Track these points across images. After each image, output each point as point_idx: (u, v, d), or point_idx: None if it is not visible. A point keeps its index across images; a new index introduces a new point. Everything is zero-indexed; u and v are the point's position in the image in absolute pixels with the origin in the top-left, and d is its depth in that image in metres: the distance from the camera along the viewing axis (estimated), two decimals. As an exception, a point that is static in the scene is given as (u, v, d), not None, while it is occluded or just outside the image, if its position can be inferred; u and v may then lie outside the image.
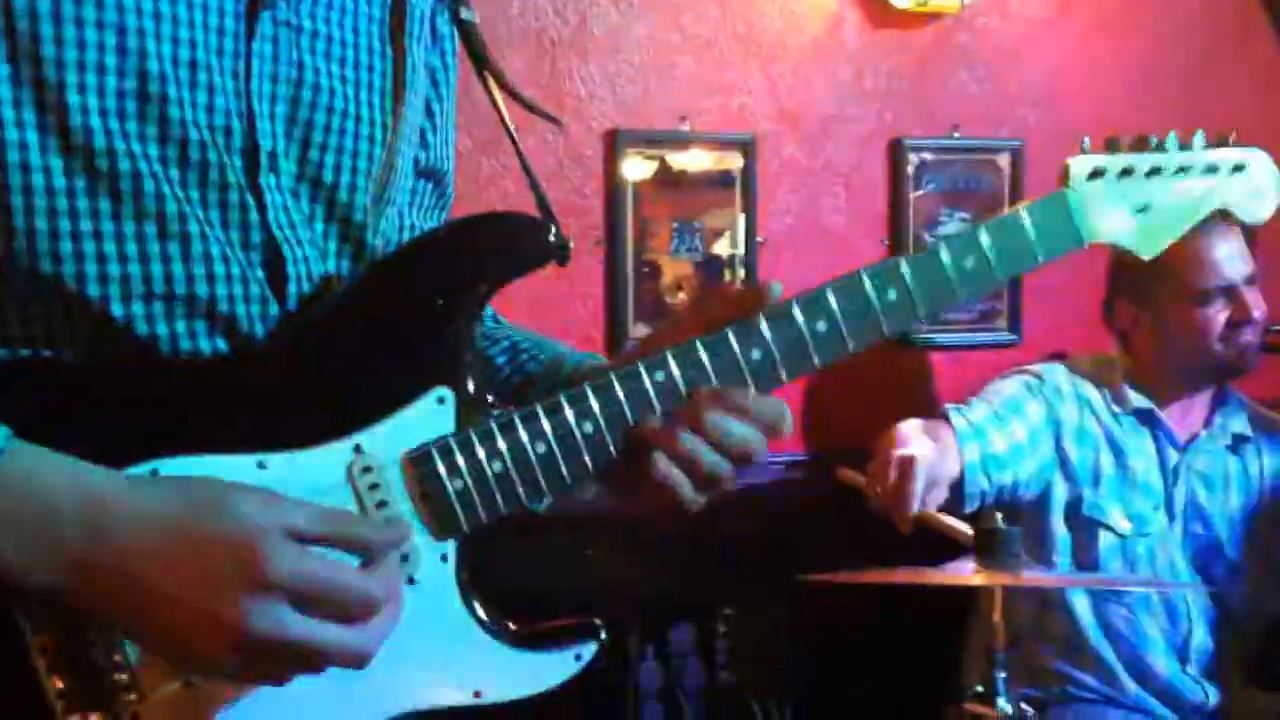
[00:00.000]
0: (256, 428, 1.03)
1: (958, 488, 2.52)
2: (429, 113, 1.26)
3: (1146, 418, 2.76)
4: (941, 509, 2.45)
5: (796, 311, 1.14)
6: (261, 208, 1.07)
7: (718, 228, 2.99)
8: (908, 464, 2.31)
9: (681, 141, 2.94)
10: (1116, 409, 2.76)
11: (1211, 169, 1.28)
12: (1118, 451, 2.74)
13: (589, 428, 1.10)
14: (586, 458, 1.10)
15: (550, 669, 1.12)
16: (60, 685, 0.96)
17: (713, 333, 1.13)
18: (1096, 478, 2.72)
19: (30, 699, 0.96)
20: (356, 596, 0.97)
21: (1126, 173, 1.24)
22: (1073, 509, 2.71)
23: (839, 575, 1.92)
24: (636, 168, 2.89)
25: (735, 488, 1.13)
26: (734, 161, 2.99)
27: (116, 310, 1.01)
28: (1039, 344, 3.20)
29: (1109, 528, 2.69)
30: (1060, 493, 2.71)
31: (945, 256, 1.18)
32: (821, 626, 2.92)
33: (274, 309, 1.08)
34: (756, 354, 1.13)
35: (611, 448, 1.10)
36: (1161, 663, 2.69)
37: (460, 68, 1.31)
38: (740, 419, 1.11)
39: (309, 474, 1.02)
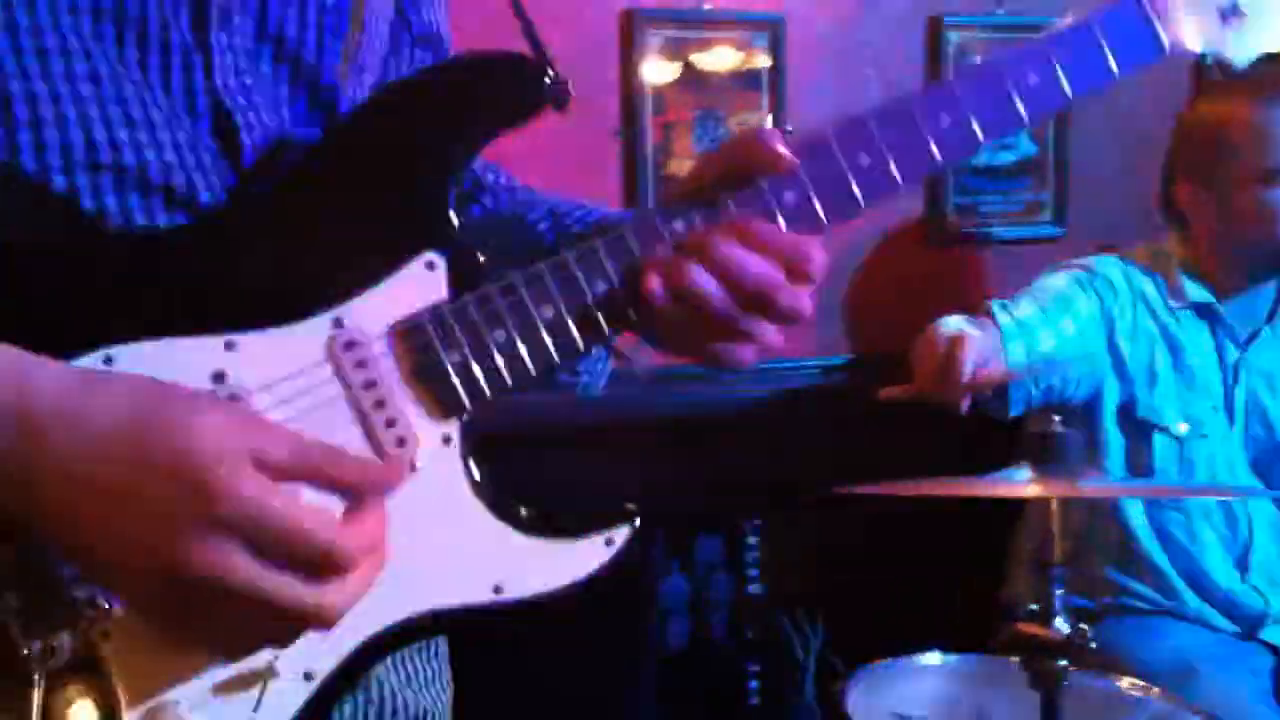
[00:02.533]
0: (221, 306, 0.92)
1: (1003, 390, 2.37)
2: None
3: (1205, 312, 2.59)
4: (989, 404, 2.31)
5: (835, 144, 1.02)
6: (208, 69, 0.96)
7: (746, 125, 2.80)
8: (957, 340, 2.17)
9: (702, 23, 2.74)
10: (1174, 303, 2.59)
11: None
12: (1175, 349, 2.57)
13: (601, 286, 0.98)
14: (600, 318, 0.99)
15: (578, 558, 0.98)
16: (15, 603, 0.85)
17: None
18: (1152, 378, 2.56)
19: None
20: (325, 548, 0.83)
21: None
22: (1126, 411, 2.56)
23: (881, 487, 1.77)
24: (657, 68, 2.70)
25: (774, 344, 1.02)
26: (761, 59, 2.79)
27: (58, 182, 0.91)
28: (1086, 237, 3.02)
29: (1164, 430, 2.54)
30: (1113, 394, 2.55)
31: (1006, 72, 1.04)
32: (855, 537, 2.80)
33: (230, 179, 0.97)
34: (790, 196, 1.01)
35: (629, 307, 0.99)
36: (1220, 571, 2.55)
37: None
38: (758, 251, 0.98)
39: (282, 353, 0.92)
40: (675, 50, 2.74)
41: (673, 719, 2.78)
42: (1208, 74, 2.99)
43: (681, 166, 2.76)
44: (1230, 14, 1.13)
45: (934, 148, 1.03)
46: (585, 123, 2.63)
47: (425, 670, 1.12)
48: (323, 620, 0.85)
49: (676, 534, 2.77)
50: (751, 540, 2.80)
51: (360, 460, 0.91)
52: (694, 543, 2.79)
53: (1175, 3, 1.09)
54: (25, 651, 0.84)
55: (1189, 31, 1.10)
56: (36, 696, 0.83)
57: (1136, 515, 2.56)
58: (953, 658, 2.12)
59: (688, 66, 2.75)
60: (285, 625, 0.85)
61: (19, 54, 0.90)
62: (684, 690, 2.80)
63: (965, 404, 2.14)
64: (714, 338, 1.01)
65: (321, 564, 0.83)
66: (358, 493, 0.88)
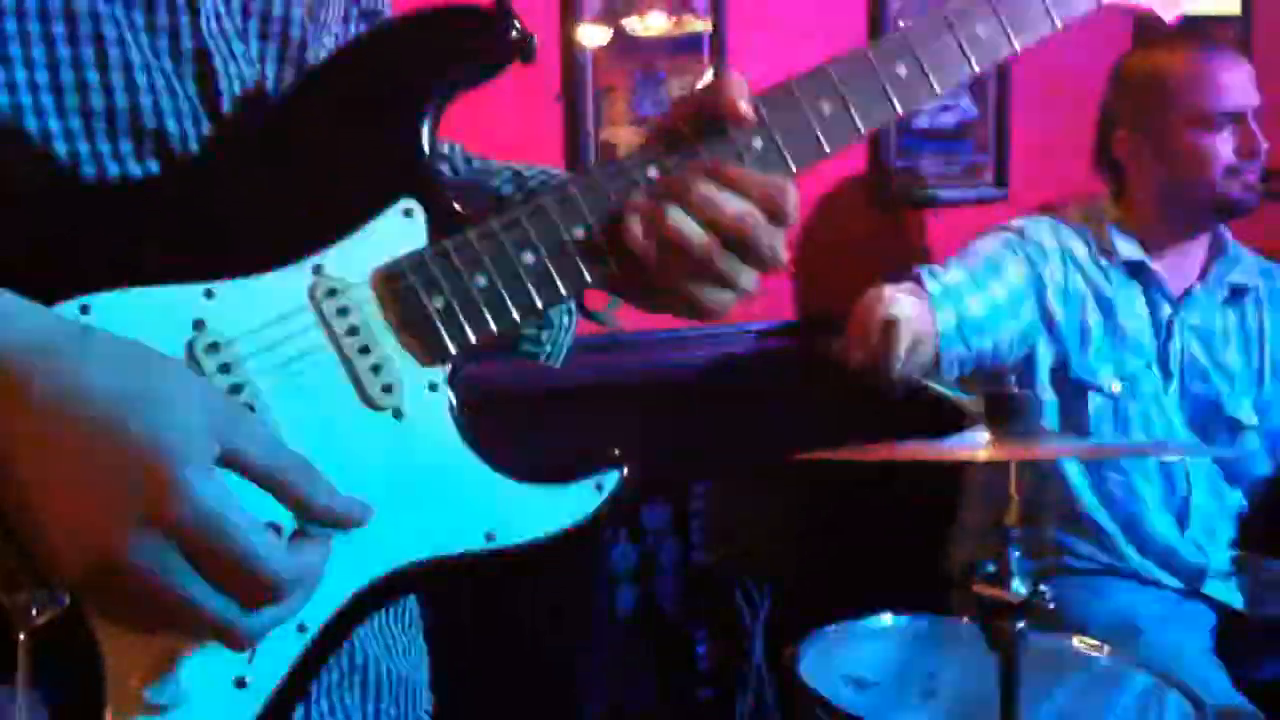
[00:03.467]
0: (200, 254, 0.91)
1: (934, 355, 2.38)
2: None
3: (1137, 270, 2.62)
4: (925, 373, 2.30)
5: (799, 93, 1.03)
6: (193, 10, 0.95)
7: (685, 90, 2.78)
8: (890, 325, 2.17)
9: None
10: (1104, 261, 2.61)
11: None
12: (1106, 308, 2.59)
13: (579, 231, 0.98)
14: (580, 262, 0.99)
15: (568, 503, 0.97)
16: None
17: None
18: (1084, 338, 2.57)
19: None
20: (262, 575, 0.81)
21: None
22: (1059, 372, 2.58)
23: (841, 452, 1.76)
24: (593, 33, 2.66)
25: (751, 290, 1.02)
26: (702, 23, 2.76)
27: (30, 124, 0.88)
28: (1027, 198, 3.03)
29: (1098, 389, 2.56)
30: (1046, 355, 2.57)
31: (954, 27, 1.08)
32: (803, 503, 2.80)
33: (206, 127, 0.95)
34: (758, 141, 1.02)
35: (608, 255, 0.99)
36: (1160, 526, 2.59)
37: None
38: (735, 192, 0.99)
39: (263, 300, 0.91)
40: (613, 15, 2.70)
41: (622, 685, 2.78)
42: (1145, 32, 3.01)
43: (619, 132, 2.73)
44: None
45: (893, 97, 1.05)
46: (525, 88, 2.59)
47: (403, 639, 1.11)
48: (234, 642, 0.83)
49: (615, 507, 2.76)
50: (698, 507, 2.80)
51: (331, 488, 0.86)
52: (641, 510, 2.78)
53: None
54: (10, 605, 0.81)
55: None
56: (22, 654, 0.81)
57: (1076, 475, 2.58)
58: (904, 620, 2.13)
59: (626, 31, 2.71)
60: (202, 630, 0.83)
61: None
62: (633, 656, 2.80)
63: (900, 390, 2.15)
64: (692, 283, 1.00)
65: (251, 589, 0.81)
66: (317, 521, 0.85)
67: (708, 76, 2.79)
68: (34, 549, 0.80)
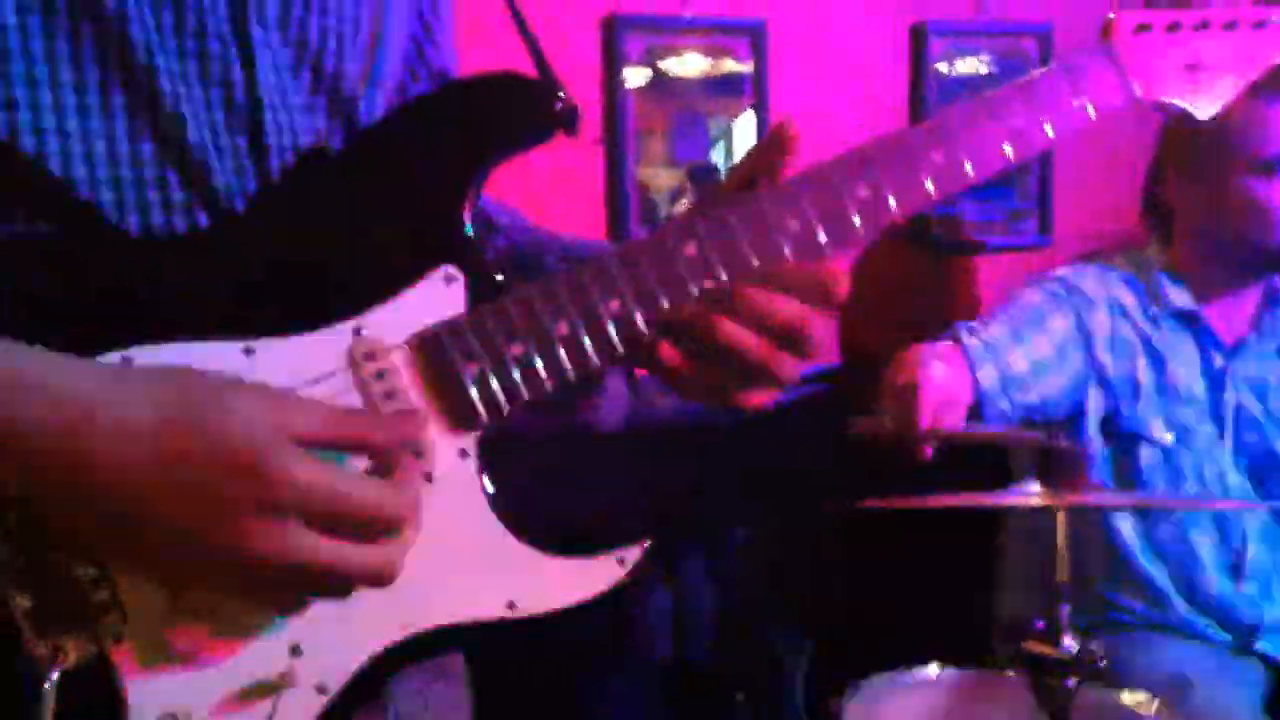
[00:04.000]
0: (242, 311, 0.92)
1: (977, 413, 2.32)
2: (425, 16, 1.15)
3: (1188, 319, 2.56)
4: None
5: (834, 175, 1.04)
6: (248, 62, 0.95)
7: (725, 132, 2.78)
8: (908, 390, 2.12)
9: (683, 29, 2.71)
10: (1154, 310, 2.56)
11: (1261, 24, 1.23)
12: (1156, 359, 2.54)
13: (615, 305, 0.98)
14: (613, 336, 0.99)
15: (590, 576, 0.99)
16: (27, 604, 0.83)
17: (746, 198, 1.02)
18: (1135, 388, 2.52)
19: None
20: (377, 510, 0.86)
21: (1173, 28, 1.19)
22: (1109, 423, 2.52)
23: (889, 501, 1.74)
24: (636, 73, 2.67)
25: (793, 380, 1.03)
26: (740, 64, 2.76)
27: (79, 172, 0.89)
28: (1071, 245, 3.01)
29: (1150, 440, 2.51)
30: (1095, 406, 2.51)
31: (997, 114, 1.09)
32: (839, 551, 2.77)
33: (253, 182, 0.95)
34: (794, 223, 1.02)
35: (641, 326, 0.99)
36: (1213, 581, 2.52)
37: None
38: (788, 291, 1.00)
39: (303, 360, 0.92)
40: (656, 57, 2.71)
41: (658, 735, 2.75)
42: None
43: (657, 173, 2.73)
44: (1193, 68, 1.19)
45: (928, 183, 1.06)
46: (566, 129, 2.59)
47: (446, 697, 1.11)
48: (383, 579, 0.87)
49: (661, 547, 2.74)
50: (737, 555, 2.77)
51: (388, 418, 0.92)
52: (678, 556, 2.76)
53: (1146, 54, 1.16)
54: (37, 653, 0.83)
55: (1155, 82, 1.17)
56: (48, 699, 0.81)
57: (1126, 528, 2.53)
58: (950, 671, 2.09)
59: (668, 73, 2.72)
60: (342, 591, 0.87)
61: (49, 36, 0.88)
62: (670, 707, 2.76)
63: (928, 452, 2.06)
64: (737, 382, 1.01)
65: (376, 526, 0.86)
66: (390, 453, 0.89)
67: (747, 117, 2.78)
68: (143, 572, 0.84)
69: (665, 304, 0.99)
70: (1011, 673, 1.92)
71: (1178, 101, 1.19)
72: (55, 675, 0.82)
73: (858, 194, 1.03)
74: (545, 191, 2.55)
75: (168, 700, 0.87)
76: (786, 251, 1.01)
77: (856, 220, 1.03)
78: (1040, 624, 1.58)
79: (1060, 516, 1.60)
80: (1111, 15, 1.18)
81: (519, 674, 2.45)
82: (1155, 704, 1.95)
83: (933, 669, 2.08)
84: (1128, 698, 1.95)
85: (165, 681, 0.87)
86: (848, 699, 1.96)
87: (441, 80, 1.16)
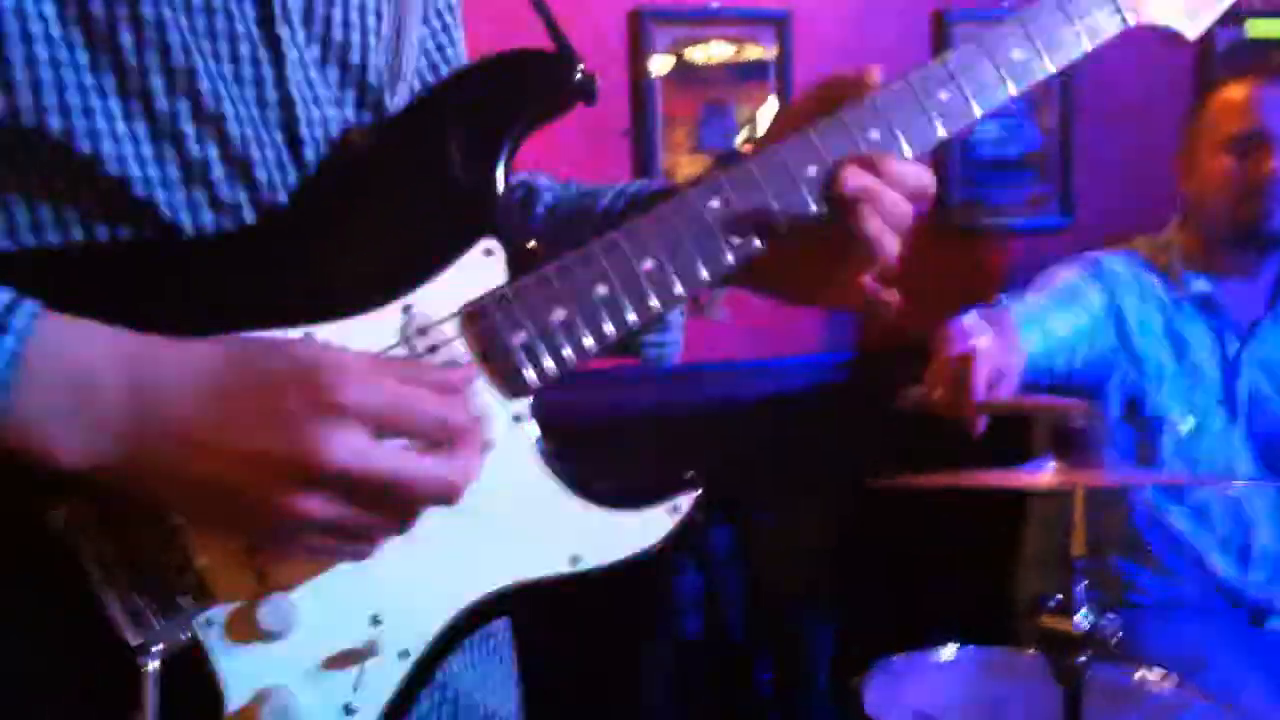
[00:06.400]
0: (296, 300, 0.95)
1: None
2: (443, 15, 1.19)
3: (1205, 304, 2.61)
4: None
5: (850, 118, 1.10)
6: (278, 60, 0.99)
7: (752, 116, 2.82)
8: (965, 360, 2.11)
9: (708, 20, 2.75)
10: (1176, 294, 2.61)
11: None
12: (1178, 343, 2.59)
13: (648, 264, 1.03)
14: (652, 295, 1.03)
15: (647, 527, 1.02)
16: (121, 597, 0.88)
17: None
18: (1159, 373, 2.57)
19: (88, 612, 0.88)
20: (441, 421, 0.89)
21: None
22: (1133, 406, 2.57)
23: (911, 479, 1.78)
24: (662, 62, 2.71)
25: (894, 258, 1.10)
26: (768, 50, 2.79)
27: (133, 171, 0.93)
28: (1092, 227, 3.04)
29: (1172, 425, 2.56)
30: (1120, 388, 2.57)
31: (987, 54, 1.14)
32: (867, 531, 2.81)
33: (292, 175, 0.99)
34: (814, 170, 1.08)
35: (678, 288, 1.04)
36: (1222, 566, 2.58)
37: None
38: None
39: (360, 341, 0.95)
40: (681, 45, 2.75)
41: (686, 712, 2.80)
42: (1210, 68, 3.02)
43: (679, 160, 2.77)
44: None
45: (938, 123, 1.12)
46: (595, 122, 2.64)
47: (495, 674, 1.15)
48: (456, 489, 0.89)
49: (690, 529, 2.78)
50: (763, 535, 2.82)
51: (437, 368, 0.96)
52: (707, 537, 2.81)
53: None
54: (135, 643, 0.87)
55: (1148, 5, 1.20)
56: (151, 687, 0.86)
57: (1141, 509, 2.58)
58: (969, 651, 2.13)
59: (693, 62, 2.76)
60: (410, 508, 0.89)
61: (94, 48, 0.91)
62: (698, 682, 2.82)
63: (981, 425, 2.05)
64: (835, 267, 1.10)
65: (441, 435, 0.89)
66: (445, 385, 0.92)
67: (772, 104, 2.82)
68: (233, 523, 0.87)
69: (699, 264, 1.03)
70: (1031, 651, 1.96)
71: (1167, 23, 1.23)
72: (155, 664, 0.87)
73: (870, 138, 1.08)
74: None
75: (260, 677, 0.91)
76: (810, 201, 1.06)
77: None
78: (1056, 600, 1.62)
79: (1078, 493, 1.64)
80: None
81: (558, 651, 2.51)
82: (1170, 679, 1.99)
83: (952, 650, 2.12)
84: (1142, 673, 1.99)
85: (255, 659, 0.91)
86: (868, 679, 2.00)
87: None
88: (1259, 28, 3.17)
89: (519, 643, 1.20)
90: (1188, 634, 2.47)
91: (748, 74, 2.82)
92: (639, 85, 2.71)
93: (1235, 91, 2.58)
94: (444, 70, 1.18)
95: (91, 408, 0.83)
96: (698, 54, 2.77)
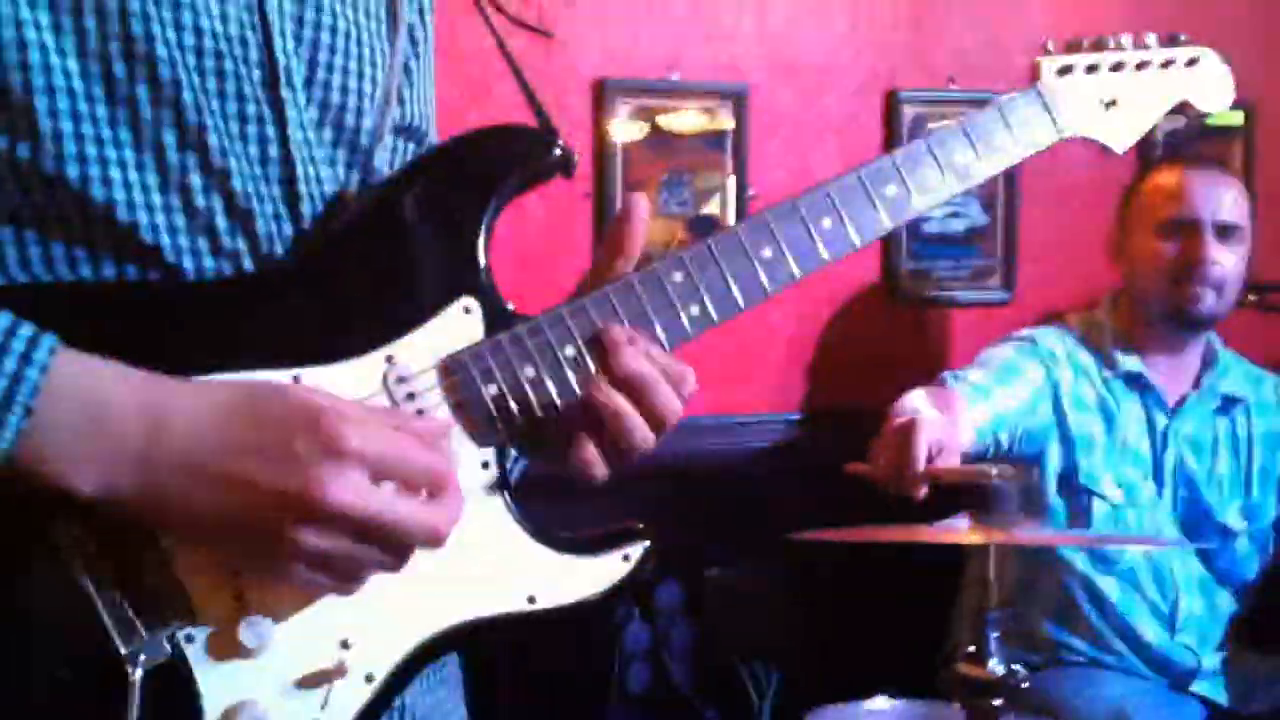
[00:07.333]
0: (287, 344, 1.02)
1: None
2: (405, 69, 1.24)
3: (1135, 381, 2.73)
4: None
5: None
6: (281, 121, 1.07)
7: (709, 188, 2.93)
8: (907, 427, 2.18)
9: (670, 92, 2.88)
10: (1108, 373, 2.73)
11: (1168, 63, 1.38)
12: (1109, 418, 2.70)
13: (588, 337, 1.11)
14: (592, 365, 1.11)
15: (600, 572, 1.10)
16: (113, 608, 0.94)
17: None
18: (1089, 446, 2.68)
19: (82, 622, 0.93)
20: (430, 470, 0.97)
21: (1092, 69, 1.34)
22: (1067, 477, 2.68)
23: (828, 532, 1.88)
24: (625, 129, 2.83)
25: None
26: (725, 122, 2.92)
27: (141, 217, 1.00)
28: (1032, 301, 3.17)
29: (1102, 496, 2.66)
30: (1054, 459, 2.68)
31: (931, 153, 1.23)
32: (810, 587, 2.90)
33: (289, 228, 1.07)
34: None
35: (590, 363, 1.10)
36: (1150, 631, 2.67)
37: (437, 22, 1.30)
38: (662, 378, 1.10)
39: (346, 385, 1.02)
40: (644, 116, 2.87)
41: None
42: (1151, 150, 3.16)
43: (650, 227, 2.86)
44: (1110, 105, 1.34)
45: (882, 216, 1.20)
46: (557, 185, 2.73)
47: (448, 701, 1.22)
48: (437, 537, 0.97)
49: (639, 577, 2.84)
50: (709, 589, 2.88)
51: (419, 419, 1.03)
52: (655, 591, 2.87)
53: (1066, 93, 1.31)
54: (123, 652, 0.93)
55: (1077, 117, 1.31)
56: (134, 692, 0.92)
57: (1072, 576, 2.67)
58: (899, 703, 2.21)
59: (654, 128, 2.87)
60: (403, 549, 0.96)
61: (112, 102, 0.98)
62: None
63: (922, 493, 2.12)
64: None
65: (429, 485, 0.97)
66: (427, 436, 1.00)
67: (729, 180, 2.94)
68: (234, 549, 0.94)
69: (657, 330, 1.10)
70: (955, 704, 2.03)
71: (1096, 136, 1.34)
72: (140, 672, 0.93)
73: (821, 225, 1.17)
74: (534, 240, 2.70)
75: (236, 690, 0.98)
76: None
77: (821, 249, 1.17)
78: (970, 649, 1.71)
79: (989, 549, 1.74)
80: (1039, 59, 1.32)
81: (510, 699, 2.56)
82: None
83: (882, 701, 2.20)
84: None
85: (233, 674, 0.98)
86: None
87: (409, 137, 1.26)
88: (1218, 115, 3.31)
89: (472, 689, 1.27)
90: (1114, 693, 2.56)
91: (708, 144, 2.93)
92: (601, 151, 2.82)
93: (1167, 177, 2.71)
94: (397, 114, 1.23)
95: (107, 438, 0.89)
96: (664, 121, 2.89)
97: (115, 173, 0.99)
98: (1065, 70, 1.32)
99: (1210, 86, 1.40)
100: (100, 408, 0.90)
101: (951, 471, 2.14)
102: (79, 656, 0.94)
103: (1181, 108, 1.40)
